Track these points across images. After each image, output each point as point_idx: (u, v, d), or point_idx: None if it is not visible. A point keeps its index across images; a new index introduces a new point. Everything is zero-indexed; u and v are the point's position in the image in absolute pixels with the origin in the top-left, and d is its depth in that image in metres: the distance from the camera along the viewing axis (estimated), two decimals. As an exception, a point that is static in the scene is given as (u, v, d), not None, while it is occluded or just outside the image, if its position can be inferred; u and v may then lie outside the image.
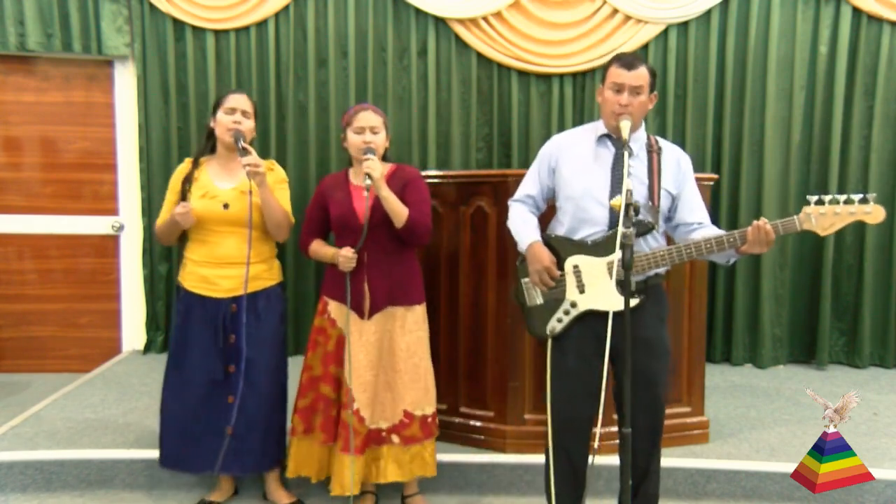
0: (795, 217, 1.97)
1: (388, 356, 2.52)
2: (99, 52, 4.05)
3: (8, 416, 3.24)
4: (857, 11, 4.13)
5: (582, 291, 2.11)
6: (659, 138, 2.24)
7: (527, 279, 2.23)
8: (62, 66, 4.21)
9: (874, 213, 1.93)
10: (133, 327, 4.35)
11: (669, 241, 2.25)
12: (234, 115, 2.47)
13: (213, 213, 2.45)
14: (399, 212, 2.39)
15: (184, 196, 2.49)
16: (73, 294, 4.31)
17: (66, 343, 4.32)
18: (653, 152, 2.16)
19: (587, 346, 2.10)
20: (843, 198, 1.93)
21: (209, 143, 2.58)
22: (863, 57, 4.16)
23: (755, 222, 1.96)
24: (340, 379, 2.51)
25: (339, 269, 2.49)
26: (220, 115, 2.48)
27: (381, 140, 2.48)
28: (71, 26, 4.00)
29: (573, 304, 2.12)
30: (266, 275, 2.55)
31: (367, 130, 2.46)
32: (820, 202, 1.94)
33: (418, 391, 2.54)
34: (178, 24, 4.10)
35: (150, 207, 4.19)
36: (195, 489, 2.75)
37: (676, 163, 2.21)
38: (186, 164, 2.58)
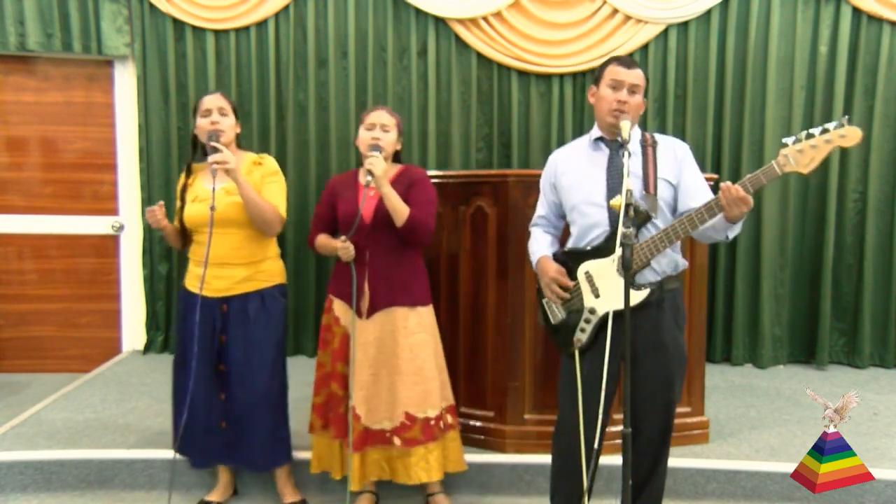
0: (773, 162, 1.89)
1: (390, 357, 2.51)
2: (99, 52, 4.05)
3: (8, 416, 3.24)
4: (857, 11, 4.13)
5: (598, 296, 2.09)
6: (657, 134, 2.24)
7: (545, 298, 2.22)
8: (62, 66, 4.21)
9: (849, 136, 1.83)
10: (133, 327, 4.35)
11: None
12: (211, 115, 2.48)
13: (202, 215, 2.46)
14: (400, 210, 2.39)
15: (183, 206, 2.54)
16: (73, 294, 4.31)
17: (66, 343, 4.32)
18: (647, 146, 2.16)
19: (601, 354, 2.08)
20: (817, 130, 1.85)
21: (196, 150, 2.60)
22: (863, 57, 4.16)
23: (721, 184, 1.91)
24: (346, 376, 2.53)
25: (343, 268, 2.51)
26: (198, 120, 2.50)
27: (390, 139, 2.50)
28: (71, 26, 4.00)
29: (592, 311, 2.10)
30: (259, 276, 2.55)
31: (378, 127, 2.48)
32: (797, 141, 1.86)
33: (420, 393, 2.52)
34: (178, 24, 4.10)
35: (150, 207, 4.20)
36: (195, 489, 2.75)
37: (672, 152, 2.20)
38: (183, 175, 2.62)
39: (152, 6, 4.07)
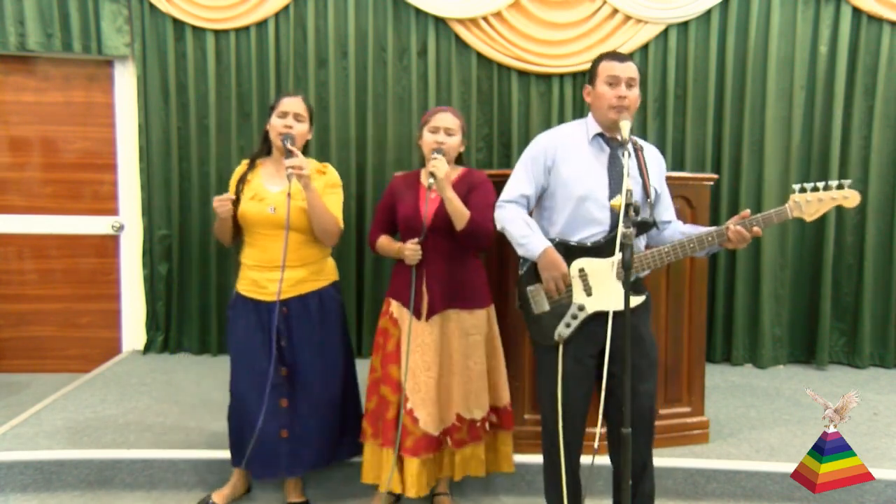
0: (786, 206, 2.10)
1: (445, 359, 2.51)
2: (99, 52, 4.05)
3: (8, 416, 3.24)
4: (857, 11, 4.13)
5: (589, 294, 2.11)
6: (637, 138, 2.25)
7: (532, 287, 2.20)
8: (62, 66, 4.21)
9: (851, 199, 2.09)
10: (133, 327, 4.35)
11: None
12: (286, 118, 2.49)
13: (260, 215, 2.46)
14: (461, 214, 2.38)
15: (237, 197, 2.51)
16: (73, 294, 4.31)
17: (66, 343, 4.32)
18: (638, 150, 2.17)
19: (584, 351, 2.11)
20: (822, 185, 2.09)
21: (265, 146, 2.61)
22: (863, 57, 4.16)
23: (735, 228, 2.06)
24: (399, 380, 2.51)
25: (402, 270, 2.51)
26: (273, 118, 2.51)
27: (454, 143, 2.50)
28: (71, 26, 4.00)
29: (581, 308, 2.11)
30: (315, 277, 2.55)
31: (442, 131, 2.48)
32: (803, 190, 2.09)
33: (468, 394, 2.52)
34: (178, 24, 4.10)
35: (150, 207, 4.19)
36: (195, 489, 2.75)
37: (657, 161, 2.25)
38: (243, 165, 2.61)
39: (152, 6, 4.07)
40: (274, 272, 2.48)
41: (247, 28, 4.12)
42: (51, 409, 3.32)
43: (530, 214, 2.29)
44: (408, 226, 2.50)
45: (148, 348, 4.29)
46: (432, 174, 2.33)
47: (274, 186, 2.51)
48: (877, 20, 4.13)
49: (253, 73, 4.13)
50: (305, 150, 2.56)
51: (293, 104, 2.51)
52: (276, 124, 2.50)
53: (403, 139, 4.18)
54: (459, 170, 2.58)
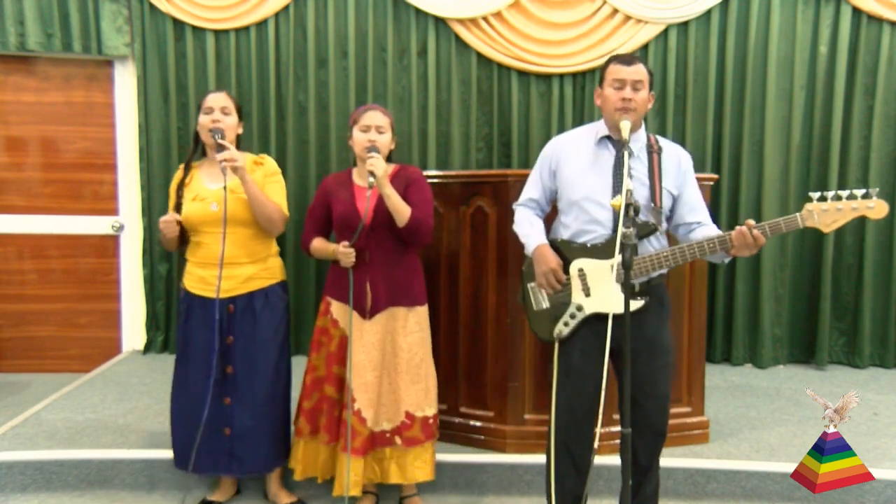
0: (798, 215, 1.95)
1: (390, 357, 2.52)
2: (99, 52, 4.05)
3: (8, 416, 3.24)
4: (857, 11, 4.13)
5: (588, 295, 2.11)
6: (659, 137, 2.23)
7: (533, 283, 2.23)
8: (62, 66, 4.21)
9: (877, 209, 1.89)
10: (133, 327, 4.35)
11: (672, 240, 2.24)
12: (213, 114, 2.47)
13: (204, 215, 2.46)
14: (402, 210, 2.39)
15: (178, 203, 2.50)
16: (73, 294, 4.31)
17: (66, 343, 4.32)
18: (653, 152, 2.16)
19: (591, 347, 2.10)
20: (845, 193, 1.90)
21: (197, 148, 2.59)
22: (863, 57, 4.17)
23: (739, 227, 1.95)
24: (343, 379, 2.52)
25: (341, 269, 2.50)
26: (200, 117, 2.49)
27: (385, 140, 2.49)
28: (71, 26, 4.01)
29: (579, 308, 2.12)
30: (263, 274, 2.54)
31: (373, 129, 2.47)
32: (822, 199, 1.90)
33: (419, 392, 2.54)
34: (178, 24, 4.11)
35: (150, 207, 4.19)
36: (195, 489, 2.75)
37: (677, 162, 2.20)
38: (180, 171, 2.59)
39: (152, 6, 4.07)
40: (224, 269, 2.46)
41: (247, 28, 4.12)
42: (51, 409, 3.32)
43: (550, 219, 2.32)
44: (345, 224, 2.48)
45: (148, 348, 4.29)
46: (371, 173, 2.31)
47: (213, 184, 2.49)
48: (877, 20, 4.13)
49: (253, 73, 4.13)
50: (253, 146, 2.56)
51: (217, 99, 2.50)
52: (203, 122, 2.48)
53: (403, 139, 4.17)
54: (393, 166, 2.56)
